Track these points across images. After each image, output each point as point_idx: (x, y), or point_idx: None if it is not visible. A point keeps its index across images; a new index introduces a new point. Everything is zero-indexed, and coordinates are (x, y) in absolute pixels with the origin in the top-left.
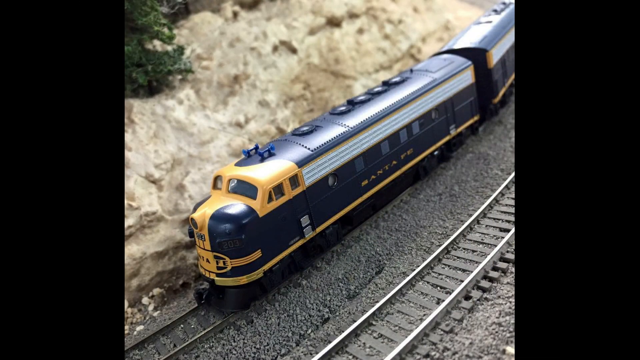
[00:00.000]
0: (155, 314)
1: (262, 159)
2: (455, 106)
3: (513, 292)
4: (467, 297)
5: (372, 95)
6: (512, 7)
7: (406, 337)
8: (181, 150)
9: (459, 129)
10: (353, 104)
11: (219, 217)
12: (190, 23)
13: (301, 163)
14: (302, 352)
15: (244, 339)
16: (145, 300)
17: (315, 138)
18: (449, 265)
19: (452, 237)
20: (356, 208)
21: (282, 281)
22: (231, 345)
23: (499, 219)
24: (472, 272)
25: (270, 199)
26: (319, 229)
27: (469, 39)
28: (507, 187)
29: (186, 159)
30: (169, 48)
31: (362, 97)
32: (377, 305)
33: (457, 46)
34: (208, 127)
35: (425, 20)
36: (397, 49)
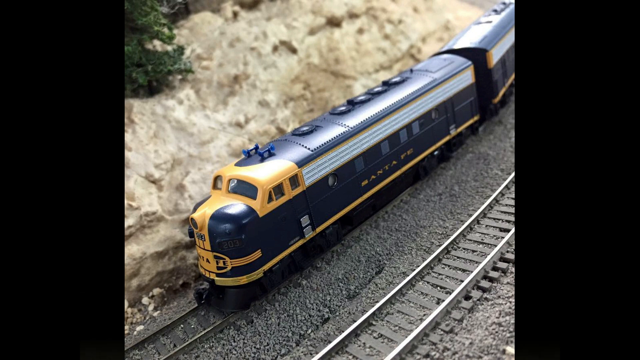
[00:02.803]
0: (155, 314)
1: (262, 159)
2: (455, 106)
3: (513, 292)
4: (467, 297)
5: (372, 95)
6: (512, 7)
7: (406, 337)
8: (181, 150)
9: (459, 129)
10: (353, 104)
11: (219, 217)
12: (190, 23)
13: (301, 163)
14: (302, 352)
15: (244, 339)
16: (145, 300)
17: (315, 138)
18: (449, 265)
19: (452, 237)
20: (356, 208)
21: (282, 281)
22: (231, 345)
23: (499, 219)
24: (472, 272)
25: (270, 199)
26: (319, 229)
27: (469, 39)
28: (507, 187)
29: (186, 159)
30: (169, 48)
31: (362, 97)
32: (377, 305)
33: (457, 46)
34: (208, 127)
35: (425, 20)
36: (397, 49)
